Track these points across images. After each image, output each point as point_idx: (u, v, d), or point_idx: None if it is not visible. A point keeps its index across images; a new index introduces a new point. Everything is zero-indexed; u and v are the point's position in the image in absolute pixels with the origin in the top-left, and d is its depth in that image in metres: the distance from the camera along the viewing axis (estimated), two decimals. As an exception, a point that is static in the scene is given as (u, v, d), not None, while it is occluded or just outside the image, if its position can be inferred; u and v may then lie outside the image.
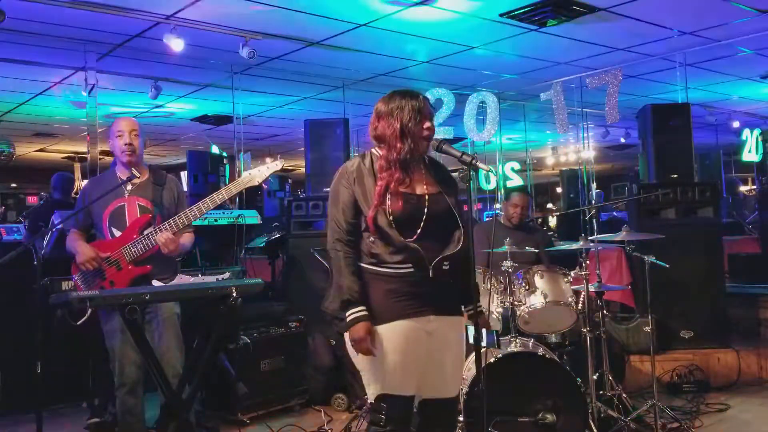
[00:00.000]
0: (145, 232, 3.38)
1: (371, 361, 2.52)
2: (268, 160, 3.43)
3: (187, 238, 3.53)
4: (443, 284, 2.60)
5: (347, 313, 2.51)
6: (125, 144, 3.48)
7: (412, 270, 2.54)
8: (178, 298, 3.44)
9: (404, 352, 2.51)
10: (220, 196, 3.37)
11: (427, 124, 2.60)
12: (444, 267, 2.57)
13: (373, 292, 2.55)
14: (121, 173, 3.54)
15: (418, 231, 2.54)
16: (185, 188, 6.69)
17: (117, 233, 3.45)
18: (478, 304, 2.62)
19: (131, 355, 3.34)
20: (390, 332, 2.51)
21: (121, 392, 3.42)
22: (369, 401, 2.59)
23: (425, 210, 2.57)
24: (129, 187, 3.51)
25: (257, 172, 3.38)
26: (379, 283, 2.55)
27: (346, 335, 2.57)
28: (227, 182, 7.17)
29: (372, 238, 2.56)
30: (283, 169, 15.74)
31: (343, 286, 2.54)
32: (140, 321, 3.32)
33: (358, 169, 2.62)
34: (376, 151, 2.67)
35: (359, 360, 2.57)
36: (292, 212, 5.96)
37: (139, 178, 3.52)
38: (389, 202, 2.53)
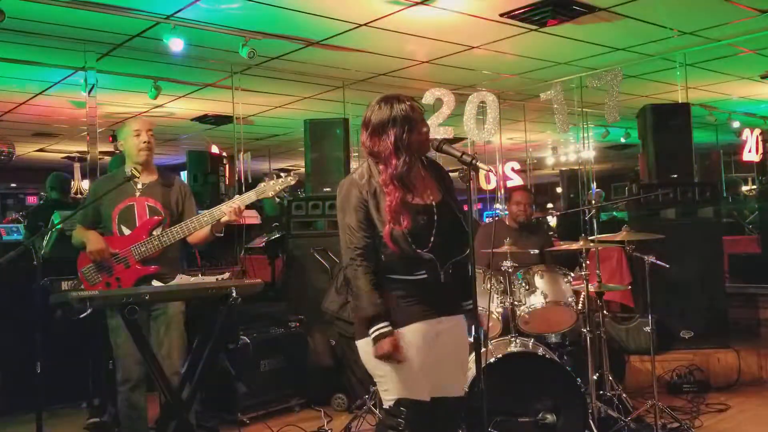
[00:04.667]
0: (154, 233, 3.43)
1: (391, 366, 2.51)
2: (282, 174, 3.46)
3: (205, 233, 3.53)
4: (449, 285, 2.63)
5: (372, 330, 2.49)
6: (144, 142, 3.54)
7: (425, 276, 2.55)
8: (178, 298, 3.45)
9: (421, 355, 2.52)
10: (236, 203, 3.41)
11: (423, 129, 2.58)
12: (450, 270, 2.60)
13: (387, 298, 2.54)
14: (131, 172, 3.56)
15: (431, 242, 2.54)
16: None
17: (126, 231, 3.49)
18: (471, 300, 2.64)
19: (135, 352, 3.33)
20: (405, 337, 2.51)
21: (125, 388, 3.44)
22: (386, 406, 2.56)
23: (435, 220, 2.57)
24: (139, 186, 3.54)
25: (271, 185, 3.42)
26: (392, 290, 2.55)
27: (364, 346, 2.56)
28: (227, 182, 7.19)
29: (387, 250, 2.54)
30: (283, 170, 15.78)
31: (364, 302, 2.51)
32: (145, 319, 3.38)
33: (369, 182, 2.57)
34: (374, 164, 2.62)
35: (377, 367, 2.54)
36: (292, 212, 5.95)
37: (139, 177, 3.53)
38: (401, 219, 2.50)
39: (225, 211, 3.35)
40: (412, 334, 2.52)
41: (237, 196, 3.45)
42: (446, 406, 2.65)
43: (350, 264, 2.55)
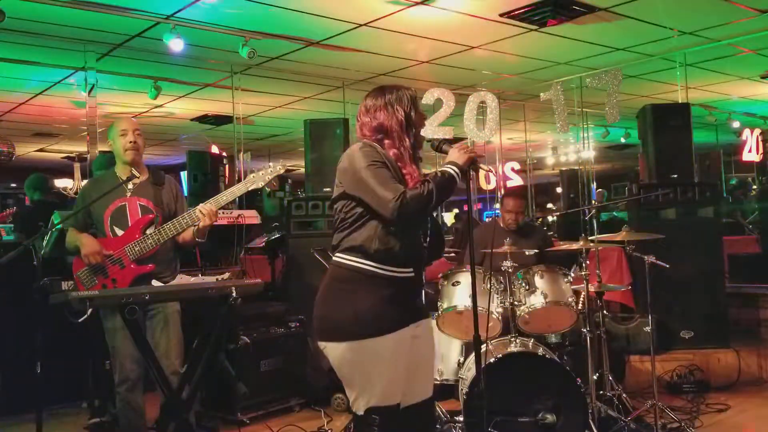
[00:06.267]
0: (148, 232, 3.41)
1: (366, 373, 2.42)
2: (271, 163, 3.45)
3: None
4: (422, 286, 2.65)
5: (459, 161, 2.49)
6: (130, 142, 3.51)
7: (412, 275, 2.50)
8: (179, 298, 3.45)
9: (398, 363, 2.45)
10: (225, 198, 3.41)
11: (423, 118, 2.63)
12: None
13: (371, 299, 2.42)
14: (122, 173, 3.56)
15: (428, 234, 2.54)
16: (185, 188, 6.70)
17: (119, 232, 3.46)
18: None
19: (132, 352, 3.33)
20: (388, 344, 2.42)
21: (122, 389, 3.43)
22: (356, 413, 2.47)
23: (429, 217, 2.59)
24: (130, 186, 3.52)
25: (260, 176, 3.39)
26: (377, 288, 2.43)
27: (334, 350, 2.44)
28: (227, 182, 7.18)
29: (390, 232, 2.41)
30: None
31: (440, 179, 2.41)
32: (141, 319, 3.34)
33: (386, 153, 2.50)
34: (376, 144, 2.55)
35: (351, 373, 2.45)
36: (292, 212, 5.95)
37: (138, 177, 3.53)
38: None
39: (199, 216, 3.33)
40: (389, 343, 2.41)
41: (223, 191, 3.43)
42: (419, 410, 2.59)
43: (400, 204, 2.31)
